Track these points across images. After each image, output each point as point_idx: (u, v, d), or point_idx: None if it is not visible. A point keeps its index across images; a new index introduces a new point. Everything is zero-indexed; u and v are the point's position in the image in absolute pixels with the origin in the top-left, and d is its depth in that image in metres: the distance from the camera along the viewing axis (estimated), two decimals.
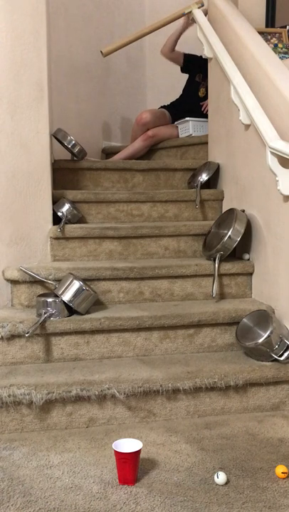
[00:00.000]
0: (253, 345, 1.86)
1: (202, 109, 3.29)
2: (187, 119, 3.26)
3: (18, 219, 2.24)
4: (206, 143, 2.98)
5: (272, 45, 2.85)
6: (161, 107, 3.54)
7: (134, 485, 1.38)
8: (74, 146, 2.75)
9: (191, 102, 3.39)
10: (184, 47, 3.58)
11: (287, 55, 2.84)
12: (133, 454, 1.36)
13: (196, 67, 3.43)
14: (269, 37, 2.87)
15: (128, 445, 1.40)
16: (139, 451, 1.38)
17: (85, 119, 3.69)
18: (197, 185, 2.66)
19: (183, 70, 3.52)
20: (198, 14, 2.79)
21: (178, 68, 3.56)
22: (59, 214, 2.38)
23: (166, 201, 2.61)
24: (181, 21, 3.17)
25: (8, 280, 2.15)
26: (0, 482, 1.40)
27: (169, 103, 3.54)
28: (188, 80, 3.51)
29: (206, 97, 3.32)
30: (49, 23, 2.35)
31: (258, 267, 2.23)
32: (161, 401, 1.77)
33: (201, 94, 3.37)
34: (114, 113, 4.02)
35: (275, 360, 1.85)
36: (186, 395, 1.79)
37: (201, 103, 3.32)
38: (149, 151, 3.35)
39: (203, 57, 3.29)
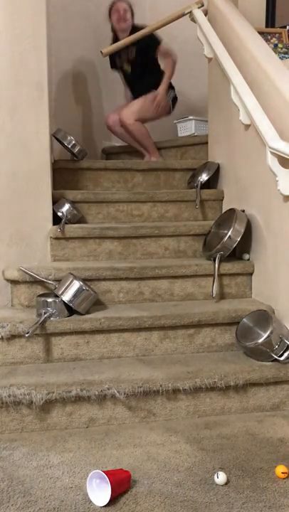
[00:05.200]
0: (253, 345, 1.86)
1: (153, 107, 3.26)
2: (190, 117, 3.25)
3: (18, 219, 2.24)
4: (206, 143, 2.98)
5: (272, 45, 2.85)
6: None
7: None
8: (74, 146, 2.75)
9: (129, 79, 3.47)
10: (184, 47, 3.58)
11: (287, 55, 2.84)
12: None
13: (113, 58, 3.46)
14: (269, 37, 2.88)
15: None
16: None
17: (85, 119, 3.69)
18: (197, 185, 2.66)
19: (112, 67, 3.58)
20: (198, 14, 2.79)
21: (178, 68, 3.56)
22: (59, 214, 2.38)
23: (166, 201, 2.61)
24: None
25: (8, 280, 2.15)
26: (0, 482, 1.40)
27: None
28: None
29: (132, 71, 3.39)
30: (49, 23, 2.35)
31: (258, 267, 2.23)
32: (161, 401, 1.77)
33: (127, 69, 3.43)
34: None
35: (275, 360, 1.85)
36: (186, 395, 1.79)
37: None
38: None
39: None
